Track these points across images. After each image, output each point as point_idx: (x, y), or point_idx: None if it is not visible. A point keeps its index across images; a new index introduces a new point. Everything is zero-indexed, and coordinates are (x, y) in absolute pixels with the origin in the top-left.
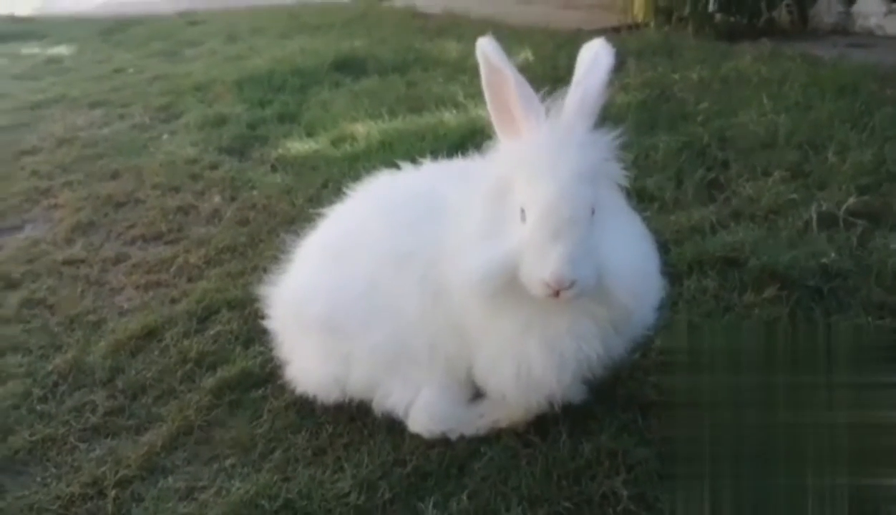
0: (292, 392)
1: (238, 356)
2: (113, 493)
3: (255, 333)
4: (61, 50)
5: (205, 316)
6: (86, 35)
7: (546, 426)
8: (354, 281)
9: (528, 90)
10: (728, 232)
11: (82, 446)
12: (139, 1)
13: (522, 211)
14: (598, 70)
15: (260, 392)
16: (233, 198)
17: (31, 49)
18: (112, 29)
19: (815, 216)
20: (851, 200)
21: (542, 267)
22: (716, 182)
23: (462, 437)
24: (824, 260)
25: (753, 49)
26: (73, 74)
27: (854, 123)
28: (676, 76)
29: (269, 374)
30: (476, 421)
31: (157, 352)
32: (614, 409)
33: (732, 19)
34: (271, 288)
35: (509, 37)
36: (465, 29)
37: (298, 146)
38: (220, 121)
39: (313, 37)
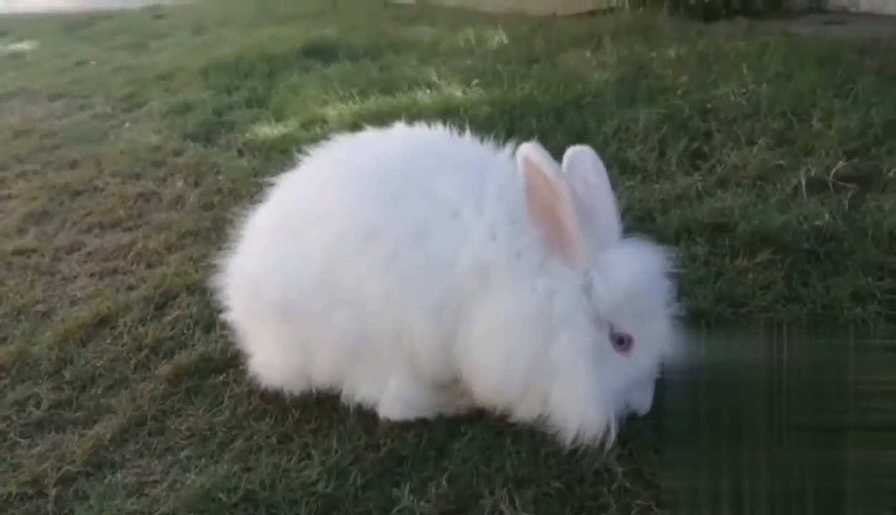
0: (256, 377)
1: (197, 341)
2: (54, 491)
3: (216, 317)
4: (23, 45)
5: (163, 302)
6: (49, 30)
7: None
8: (312, 260)
9: (583, 206)
10: (715, 199)
11: (24, 442)
12: None
13: (626, 339)
14: (603, 179)
15: (220, 378)
16: (197, 184)
17: None
18: (76, 24)
19: (803, 181)
20: (840, 164)
21: (645, 401)
22: (699, 152)
23: (441, 417)
24: (818, 222)
25: (730, 27)
26: (34, 68)
27: (837, 91)
28: (653, 54)
29: (230, 359)
30: (456, 401)
31: (108, 340)
32: None
33: (707, 0)
34: (223, 276)
35: (483, 21)
36: (439, 16)
37: (267, 130)
38: (185, 108)
39: (283, 26)
